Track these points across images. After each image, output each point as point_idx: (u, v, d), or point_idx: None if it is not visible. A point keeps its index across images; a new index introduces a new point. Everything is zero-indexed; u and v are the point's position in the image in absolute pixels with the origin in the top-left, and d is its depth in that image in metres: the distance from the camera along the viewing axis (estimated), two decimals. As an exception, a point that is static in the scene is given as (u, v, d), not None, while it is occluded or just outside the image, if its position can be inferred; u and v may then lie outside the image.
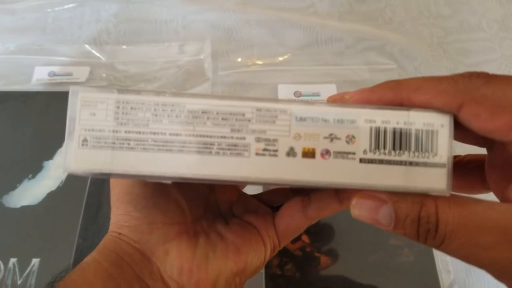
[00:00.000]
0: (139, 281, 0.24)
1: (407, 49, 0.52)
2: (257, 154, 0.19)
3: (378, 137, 0.19)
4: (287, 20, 0.55)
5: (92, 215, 0.35)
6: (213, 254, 0.25)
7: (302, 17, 0.55)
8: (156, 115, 0.19)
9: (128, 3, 0.56)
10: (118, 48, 0.52)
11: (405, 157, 0.19)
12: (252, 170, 0.19)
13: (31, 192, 0.34)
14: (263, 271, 0.38)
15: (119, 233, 0.25)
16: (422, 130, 0.19)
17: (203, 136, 0.19)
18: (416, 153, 0.19)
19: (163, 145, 0.19)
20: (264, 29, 0.54)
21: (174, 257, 0.24)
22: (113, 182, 0.26)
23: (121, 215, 0.26)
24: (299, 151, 0.19)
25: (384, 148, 0.19)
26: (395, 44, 0.53)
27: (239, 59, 0.52)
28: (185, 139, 0.19)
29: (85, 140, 0.19)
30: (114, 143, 0.19)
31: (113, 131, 0.19)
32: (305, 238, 0.38)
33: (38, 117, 0.37)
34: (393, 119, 0.19)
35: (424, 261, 0.37)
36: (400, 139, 0.19)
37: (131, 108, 0.19)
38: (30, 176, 0.35)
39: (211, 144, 0.19)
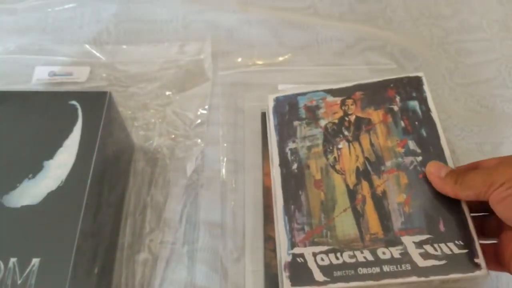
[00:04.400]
0: None
1: (407, 49, 0.52)
2: None
3: None
4: (287, 20, 0.55)
5: (92, 215, 0.35)
6: None
7: (302, 17, 0.55)
8: None
9: (128, 3, 0.56)
10: (118, 48, 0.52)
11: None
12: None
13: (31, 192, 0.34)
14: (262, 271, 0.38)
15: None
16: None
17: None
18: None
19: None
20: (264, 29, 0.54)
21: None
22: None
23: None
24: None
25: None
26: (395, 44, 0.53)
27: (239, 59, 0.52)
28: None
29: None
30: None
31: None
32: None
33: (38, 117, 0.37)
34: None
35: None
36: None
37: None
38: (30, 176, 0.35)
39: None
